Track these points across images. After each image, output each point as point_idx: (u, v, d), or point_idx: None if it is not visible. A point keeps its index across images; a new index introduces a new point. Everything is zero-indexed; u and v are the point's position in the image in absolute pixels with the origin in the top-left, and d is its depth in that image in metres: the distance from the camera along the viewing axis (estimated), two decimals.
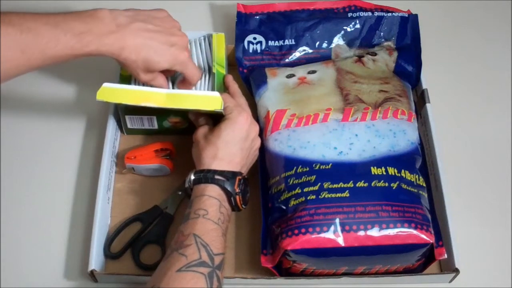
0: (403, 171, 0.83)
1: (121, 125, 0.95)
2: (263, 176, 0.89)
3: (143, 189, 0.92)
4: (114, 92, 0.83)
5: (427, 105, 0.95)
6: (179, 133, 0.95)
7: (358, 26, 1.01)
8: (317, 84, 0.93)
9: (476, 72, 1.06)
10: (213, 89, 0.92)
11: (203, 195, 0.77)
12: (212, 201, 0.77)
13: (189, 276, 0.69)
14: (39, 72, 1.05)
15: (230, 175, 0.79)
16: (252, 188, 0.91)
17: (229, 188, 0.78)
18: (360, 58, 0.97)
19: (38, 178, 0.94)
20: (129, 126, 0.95)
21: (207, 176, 0.78)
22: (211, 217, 0.76)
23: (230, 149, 0.81)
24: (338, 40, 1.01)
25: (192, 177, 0.79)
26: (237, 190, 0.79)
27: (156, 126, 0.95)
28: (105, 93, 0.82)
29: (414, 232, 0.79)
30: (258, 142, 0.86)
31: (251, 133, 0.84)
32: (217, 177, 0.78)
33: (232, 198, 0.79)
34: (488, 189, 0.94)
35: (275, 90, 0.93)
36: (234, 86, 0.91)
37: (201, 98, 0.83)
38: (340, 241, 0.78)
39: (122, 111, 0.92)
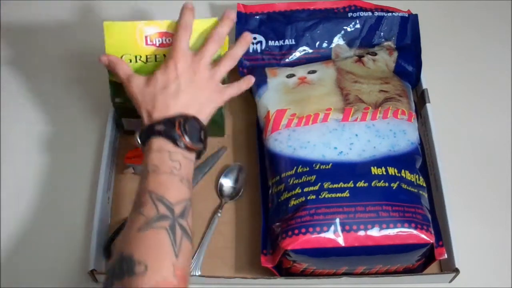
0: (403, 171, 0.83)
1: (120, 124, 0.96)
2: (263, 176, 0.89)
3: None
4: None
5: (427, 105, 0.95)
6: None
7: (358, 26, 1.01)
8: (317, 84, 0.93)
9: (476, 72, 1.06)
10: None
11: (150, 150, 0.75)
12: (159, 154, 0.74)
13: (150, 234, 0.67)
14: (39, 72, 1.05)
15: (164, 121, 0.76)
16: (252, 188, 0.92)
17: (171, 134, 0.75)
18: (360, 58, 0.97)
19: (38, 178, 0.94)
20: (126, 127, 0.96)
21: (147, 132, 0.76)
22: (163, 170, 0.73)
23: (166, 95, 0.78)
24: (338, 40, 1.01)
25: (137, 136, 0.77)
26: (179, 133, 0.74)
27: None
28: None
29: (414, 232, 0.79)
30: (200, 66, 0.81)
31: (178, 63, 0.79)
32: (157, 128, 0.75)
33: (178, 142, 0.75)
34: (488, 189, 0.94)
35: (275, 90, 0.93)
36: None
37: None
38: (340, 241, 0.78)
39: (118, 113, 0.93)
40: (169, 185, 0.72)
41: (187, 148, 0.75)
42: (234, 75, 1.02)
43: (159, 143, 0.75)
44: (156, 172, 0.73)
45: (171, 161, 0.74)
